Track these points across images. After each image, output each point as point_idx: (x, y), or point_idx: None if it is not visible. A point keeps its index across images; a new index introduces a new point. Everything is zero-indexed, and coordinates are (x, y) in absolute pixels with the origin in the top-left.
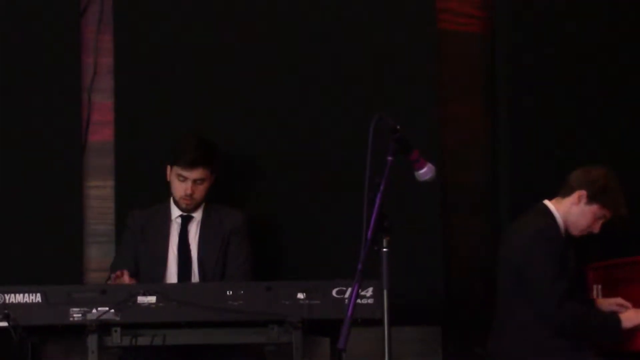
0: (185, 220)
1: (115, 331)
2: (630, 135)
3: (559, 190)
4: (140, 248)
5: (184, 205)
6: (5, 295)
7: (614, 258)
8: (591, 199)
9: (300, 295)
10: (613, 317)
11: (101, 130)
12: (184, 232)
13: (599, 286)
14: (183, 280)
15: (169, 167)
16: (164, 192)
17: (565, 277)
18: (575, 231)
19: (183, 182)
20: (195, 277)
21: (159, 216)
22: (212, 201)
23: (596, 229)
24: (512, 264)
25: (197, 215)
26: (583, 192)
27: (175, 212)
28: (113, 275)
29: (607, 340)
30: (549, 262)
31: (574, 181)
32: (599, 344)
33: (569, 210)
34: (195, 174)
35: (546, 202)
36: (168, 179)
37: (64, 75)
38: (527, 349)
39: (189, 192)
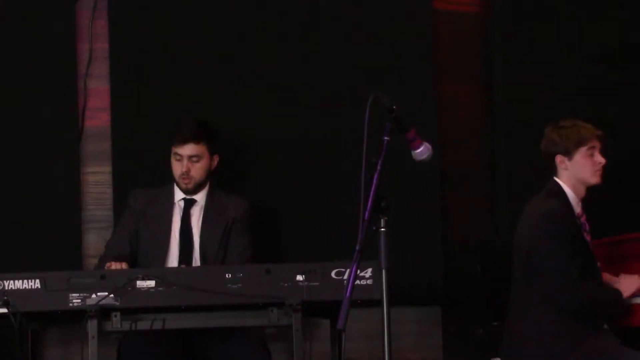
0: (188, 204)
1: (115, 316)
2: (629, 114)
3: (548, 174)
4: (141, 229)
5: (183, 185)
6: (5, 281)
7: (616, 235)
8: (567, 152)
9: (300, 278)
10: (614, 290)
11: (98, 116)
12: (186, 215)
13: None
14: (184, 264)
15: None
16: (161, 177)
17: (577, 258)
18: (593, 181)
19: (179, 161)
20: (196, 262)
21: (161, 198)
22: (216, 186)
23: (601, 160)
24: (521, 249)
25: (200, 199)
26: (558, 157)
27: (179, 195)
28: (107, 264)
29: (615, 315)
30: (558, 247)
31: (546, 157)
32: (611, 320)
33: (569, 177)
34: (188, 149)
35: (556, 178)
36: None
37: (59, 61)
38: (531, 332)
39: (184, 169)
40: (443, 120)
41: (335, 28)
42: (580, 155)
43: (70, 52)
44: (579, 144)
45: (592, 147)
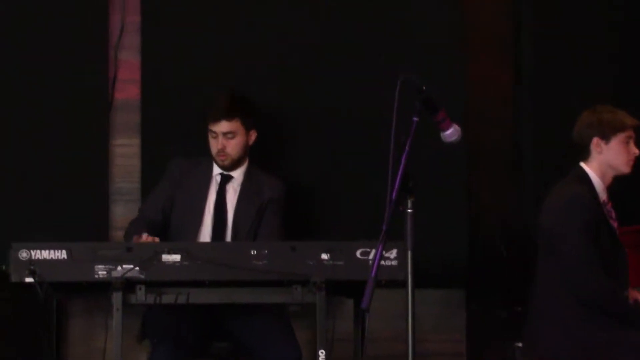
0: (225, 179)
1: (140, 289)
2: None
3: (579, 158)
4: (177, 198)
5: (220, 162)
6: (32, 251)
7: None
8: (605, 137)
9: (325, 256)
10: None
11: (128, 88)
12: (221, 191)
13: None
14: (216, 239)
15: None
16: (190, 150)
17: (597, 247)
18: (624, 170)
19: (215, 139)
20: (227, 239)
21: (200, 170)
22: (255, 164)
23: (635, 151)
24: (545, 233)
25: (238, 176)
26: (595, 139)
27: (216, 169)
28: (135, 236)
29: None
30: (579, 236)
31: (580, 139)
32: None
33: (601, 162)
34: (222, 127)
35: (582, 164)
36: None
37: (91, 33)
38: (554, 316)
39: (220, 147)
40: (471, 99)
41: (366, 7)
42: (617, 141)
43: (102, 23)
44: (619, 129)
45: (629, 137)
